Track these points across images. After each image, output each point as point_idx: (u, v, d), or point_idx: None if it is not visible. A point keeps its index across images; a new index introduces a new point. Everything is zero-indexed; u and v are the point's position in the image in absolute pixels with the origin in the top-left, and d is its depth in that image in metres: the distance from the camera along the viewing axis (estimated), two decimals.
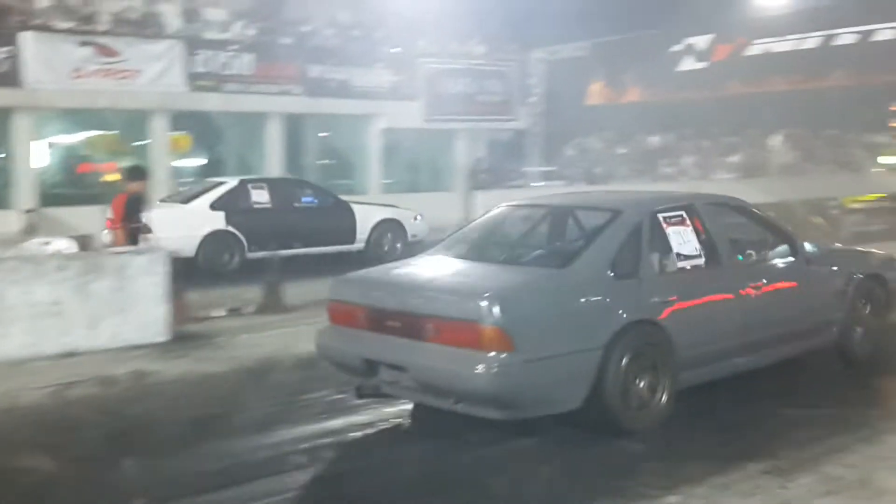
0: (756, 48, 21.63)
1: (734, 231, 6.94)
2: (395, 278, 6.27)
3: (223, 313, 10.78)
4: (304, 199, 14.84)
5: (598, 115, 33.12)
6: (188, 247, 12.66)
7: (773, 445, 5.58)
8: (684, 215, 6.33)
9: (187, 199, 14.13)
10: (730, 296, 6.35)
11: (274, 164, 23.36)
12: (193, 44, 21.80)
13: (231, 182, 14.44)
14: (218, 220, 13.55)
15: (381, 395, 6.13)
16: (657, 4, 29.41)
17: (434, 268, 6.34)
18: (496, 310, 5.23)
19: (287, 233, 13.40)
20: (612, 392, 5.52)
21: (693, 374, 6.05)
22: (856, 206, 17.82)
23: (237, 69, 22.57)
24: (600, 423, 5.63)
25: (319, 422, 6.42)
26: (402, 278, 6.25)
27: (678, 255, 6.15)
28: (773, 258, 6.76)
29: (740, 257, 6.72)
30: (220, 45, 22.48)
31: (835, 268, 7.27)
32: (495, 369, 5.17)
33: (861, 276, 7.31)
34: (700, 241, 6.29)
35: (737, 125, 30.74)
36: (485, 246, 6.74)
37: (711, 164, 32.12)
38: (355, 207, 14.90)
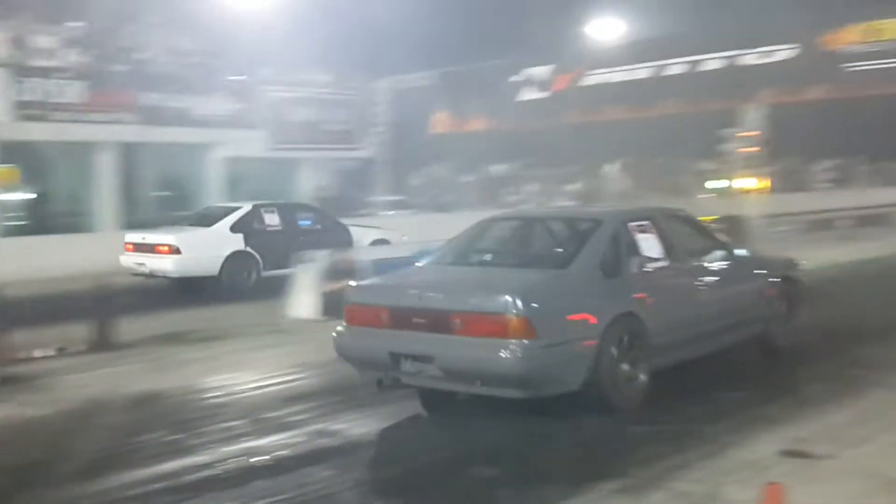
0: (593, 78, 22.52)
1: (682, 238, 7.92)
2: (417, 282, 7.09)
3: (51, 353, 9.89)
4: (307, 222, 16.02)
5: (443, 143, 33.54)
6: (213, 266, 14.12)
7: (625, 463, 5.61)
8: (649, 224, 7.39)
9: (208, 223, 15.08)
10: (687, 292, 7.54)
11: (106, 196, 22.12)
12: (19, 72, 20.46)
13: (246, 206, 15.46)
14: (238, 242, 14.59)
15: (401, 386, 6.75)
16: (499, 36, 30.24)
17: (447, 273, 7.36)
18: (520, 303, 6.07)
19: (296, 252, 13.72)
20: (605, 374, 6.37)
21: (663, 358, 6.97)
22: None
23: (67, 97, 21.37)
24: (595, 401, 6.42)
25: (151, 465, 5.94)
26: (423, 282, 7.07)
27: (647, 258, 7.18)
28: (715, 261, 7.83)
29: (693, 260, 7.74)
30: (48, 72, 21.22)
31: (761, 270, 8.53)
32: (521, 353, 5.98)
33: (778, 277, 8.62)
34: (662, 247, 7.32)
35: (576, 153, 31.94)
36: (480, 253, 7.70)
37: (552, 191, 33.19)
38: (352, 229, 16.08)
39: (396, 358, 6.52)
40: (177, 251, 13.97)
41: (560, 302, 6.47)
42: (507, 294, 6.17)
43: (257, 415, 7.12)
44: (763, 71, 20.05)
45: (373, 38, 27.44)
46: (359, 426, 6.70)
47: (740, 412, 6.68)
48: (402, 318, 6.57)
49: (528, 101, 24.45)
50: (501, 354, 6.01)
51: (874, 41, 18.43)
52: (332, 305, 11.44)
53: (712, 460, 5.58)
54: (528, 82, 24.12)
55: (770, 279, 8.47)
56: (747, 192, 20.15)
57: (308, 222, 15.99)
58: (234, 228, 14.75)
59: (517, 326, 6.05)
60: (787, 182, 47.58)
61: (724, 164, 21.98)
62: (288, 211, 16.06)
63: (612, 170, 42.67)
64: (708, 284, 7.70)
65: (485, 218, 8.24)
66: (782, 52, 19.63)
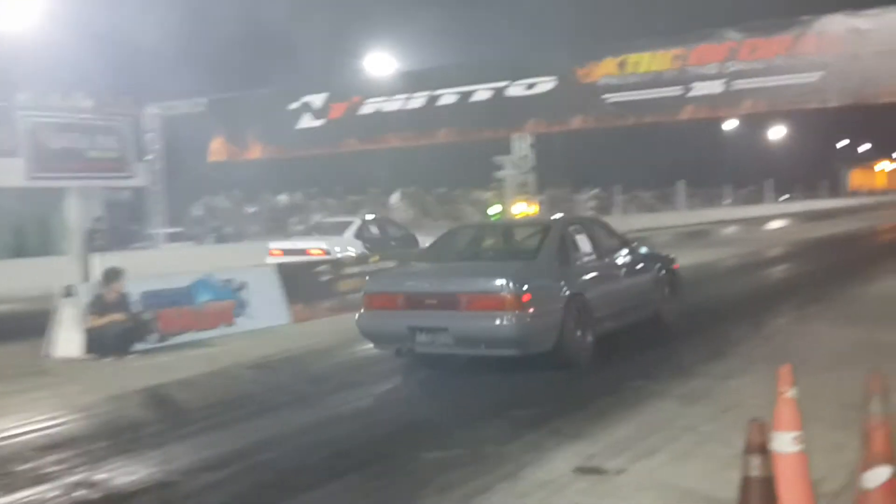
0: (369, 107, 22.72)
1: (602, 238, 10.36)
2: (425, 274, 9.32)
3: None
4: (394, 231, 21.11)
5: (222, 172, 32.50)
6: None
7: (422, 493, 5.48)
8: (581, 228, 10.05)
9: (336, 232, 19.53)
10: (612, 279, 9.97)
11: None
12: None
13: (357, 219, 20.45)
14: (360, 246, 18.74)
15: (416, 354, 8.81)
16: (272, 63, 29.91)
17: (444, 267, 9.45)
18: (512, 285, 8.13)
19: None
20: (567, 337, 8.56)
21: (600, 327, 9.25)
22: None
23: None
24: (562, 358, 8.61)
25: None
26: (430, 273, 9.30)
27: (584, 252, 9.66)
28: (625, 255, 10.37)
29: (611, 254, 10.22)
30: None
31: (657, 263, 11.14)
32: (515, 322, 8.05)
33: (665, 269, 11.26)
34: (591, 244, 9.81)
35: (359, 181, 32.20)
36: (462, 252, 10.09)
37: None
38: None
39: (413, 331, 8.47)
40: (327, 253, 17.70)
41: (538, 283, 8.50)
42: (502, 278, 8.23)
43: (6, 468, 6.40)
44: (528, 102, 21.11)
45: (139, 63, 26.26)
46: (124, 475, 6.13)
47: (535, 429, 6.77)
48: (417, 301, 8.61)
49: (307, 128, 24.29)
50: (501, 323, 8.07)
51: (630, 73, 19.93)
52: (98, 342, 10.70)
53: (510, 482, 5.54)
54: (306, 109, 23.99)
55: (661, 270, 11.14)
56: (522, 217, 21.11)
57: (394, 230, 21.08)
58: (356, 235, 19.25)
59: (511, 301, 8.12)
60: (556, 209, 50.82)
61: (498, 190, 22.92)
62: (383, 223, 21.24)
63: (395, 198, 43.35)
64: (624, 273, 10.30)
65: (451, 228, 11.47)
66: (545, 84, 20.78)
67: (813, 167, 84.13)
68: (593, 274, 9.54)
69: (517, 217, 21.32)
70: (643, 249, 11.02)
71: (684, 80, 19.23)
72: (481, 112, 21.42)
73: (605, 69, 20.39)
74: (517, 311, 8.09)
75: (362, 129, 23.33)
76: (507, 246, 10.40)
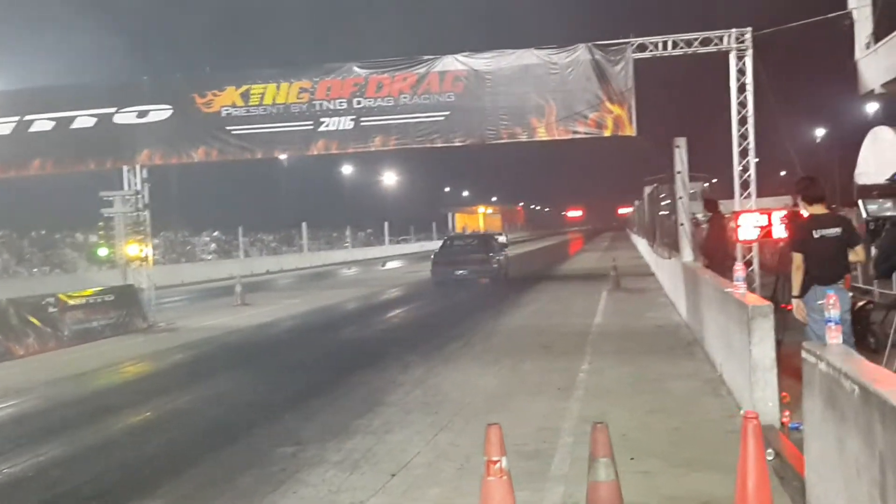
0: None
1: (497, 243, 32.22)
2: (452, 255, 28.04)
3: None
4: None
5: None
6: None
7: None
8: (495, 236, 37.58)
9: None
10: (505, 259, 31.00)
11: None
12: None
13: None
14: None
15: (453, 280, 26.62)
16: None
17: (458, 252, 28.42)
18: (491, 254, 28.21)
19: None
20: (504, 270, 29.43)
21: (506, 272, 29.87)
22: (74, 301, 16.40)
23: None
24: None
25: None
26: (455, 254, 28.26)
27: (500, 249, 30.97)
28: (496, 252, 29.01)
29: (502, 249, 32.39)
30: None
31: (505, 251, 32.98)
32: (497, 266, 28.16)
33: (506, 255, 32.15)
34: (498, 246, 31.22)
35: None
36: (459, 248, 29.28)
37: None
38: None
39: (454, 272, 26.71)
40: None
41: (498, 257, 28.79)
42: (485, 253, 27.68)
43: None
44: (140, 131, 18.79)
45: None
46: None
47: None
48: (453, 264, 27.18)
49: None
50: (492, 268, 27.51)
51: (255, 104, 18.58)
52: None
53: None
54: None
55: (505, 254, 31.59)
56: (135, 260, 18.80)
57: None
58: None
59: (495, 263, 27.94)
60: (172, 252, 47.77)
61: (107, 231, 20.10)
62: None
63: None
64: (504, 256, 30.76)
65: (448, 237, 37.77)
66: (159, 112, 18.69)
67: (424, 210, 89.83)
68: (504, 257, 30.42)
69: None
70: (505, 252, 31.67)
71: (313, 114, 18.41)
72: (84, 141, 18.60)
73: (227, 99, 18.82)
74: (494, 265, 27.63)
75: None
76: (477, 245, 29.07)
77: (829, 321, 4.60)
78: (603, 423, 4.78)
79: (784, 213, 11.18)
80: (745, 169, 16.46)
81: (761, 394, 6.88)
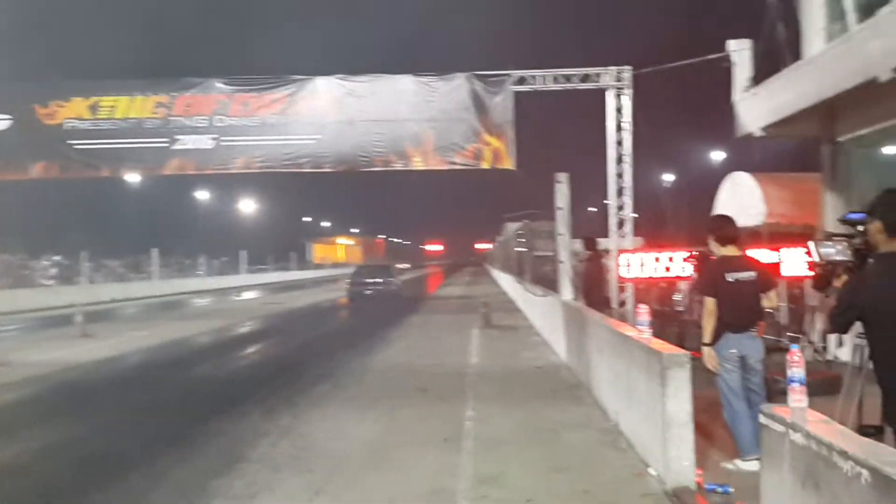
0: None
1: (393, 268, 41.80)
2: (362, 276, 36.58)
3: None
4: None
5: None
6: None
7: None
8: (394, 265, 47.15)
9: None
10: (402, 280, 42.88)
11: None
12: None
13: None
14: None
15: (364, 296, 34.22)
16: None
17: (367, 275, 36.78)
18: (391, 279, 36.36)
19: None
20: (400, 290, 38.63)
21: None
22: None
23: None
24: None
25: None
26: (364, 275, 36.72)
27: (398, 274, 41.29)
28: (394, 276, 37.80)
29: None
30: None
31: (402, 274, 48.83)
32: (395, 286, 36.52)
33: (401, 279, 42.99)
34: (396, 272, 41.14)
35: None
36: (367, 272, 38.01)
37: None
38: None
39: (364, 290, 34.41)
40: None
41: (398, 280, 38.26)
42: (388, 277, 36.08)
43: None
44: None
45: None
46: None
47: None
48: (362, 284, 35.14)
49: None
50: (393, 288, 35.69)
51: (105, 118, 16.96)
52: None
53: None
54: None
55: (400, 278, 41.80)
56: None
57: None
58: None
59: (394, 284, 36.59)
60: (8, 277, 43.90)
61: None
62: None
63: None
64: (400, 280, 40.30)
65: (358, 265, 48.71)
66: None
67: (282, 239, 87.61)
68: (399, 279, 39.82)
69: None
70: (398, 277, 40.30)
71: (169, 131, 16.99)
72: None
73: (73, 111, 17.12)
74: (392, 287, 35.18)
75: None
76: (380, 270, 38.40)
77: (793, 381, 3.98)
78: None
79: (690, 253, 10.84)
80: (621, 207, 16.36)
81: (676, 452, 6.26)
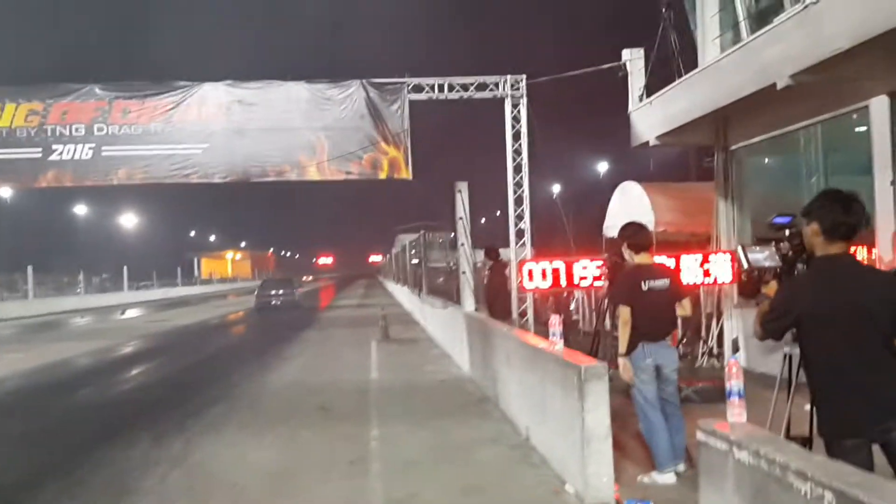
0: None
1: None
2: (270, 289, 42.32)
3: None
4: None
5: None
6: None
7: None
8: (294, 278, 55.86)
9: None
10: (304, 292, 58.38)
11: None
12: None
13: None
14: None
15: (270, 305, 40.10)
16: None
17: (271, 288, 42.23)
18: (295, 292, 42.74)
19: None
20: (299, 301, 43.66)
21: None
22: None
23: None
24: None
25: None
26: (270, 287, 42.71)
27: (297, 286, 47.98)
28: (296, 288, 44.87)
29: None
30: None
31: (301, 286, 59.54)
32: (296, 297, 42.92)
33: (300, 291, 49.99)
34: (297, 284, 51.27)
35: None
36: (272, 284, 43.37)
37: None
38: None
39: (270, 301, 40.03)
40: None
41: (296, 291, 43.31)
42: (290, 289, 41.85)
43: None
44: None
45: None
46: None
47: None
48: (269, 295, 40.63)
49: None
50: (295, 298, 41.62)
51: None
52: None
53: None
54: None
55: (300, 290, 48.97)
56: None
57: None
58: None
59: (296, 295, 42.31)
60: None
61: None
62: None
63: None
64: (299, 292, 46.15)
65: (265, 279, 51.23)
66: None
67: (167, 255, 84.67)
68: (300, 292, 47.29)
69: None
70: (300, 288, 48.95)
71: (44, 140, 15.92)
72: None
73: None
74: (296, 298, 41.40)
75: None
76: (284, 283, 43.96)
77: (731, 394, 3.79)
78: None
79: (601, 261, 10.73)
80: (521, 217, 16.30)
81: (595, 468, 6.04)
